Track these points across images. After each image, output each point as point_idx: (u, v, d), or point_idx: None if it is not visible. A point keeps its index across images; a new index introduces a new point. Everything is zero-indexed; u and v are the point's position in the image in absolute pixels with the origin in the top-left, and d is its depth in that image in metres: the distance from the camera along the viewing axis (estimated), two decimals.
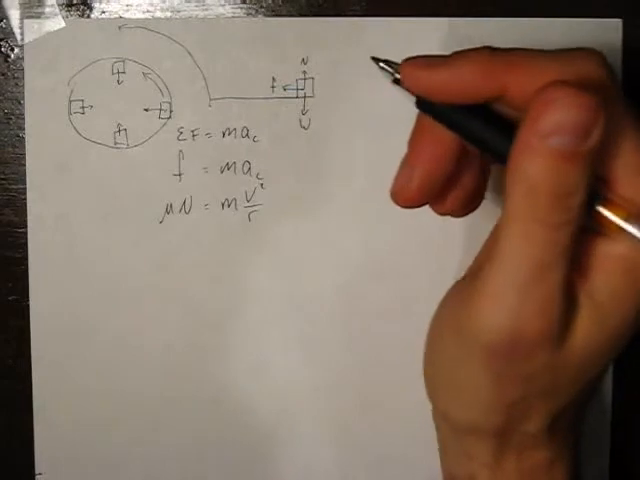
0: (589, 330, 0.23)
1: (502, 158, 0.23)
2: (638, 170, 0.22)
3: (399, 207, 0.26)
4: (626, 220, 0.22)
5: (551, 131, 0.21)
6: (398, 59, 0.34)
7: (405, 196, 0.26)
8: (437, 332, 0.27)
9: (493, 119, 0.24)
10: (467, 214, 0.27)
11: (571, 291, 0.23)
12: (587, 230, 0.23)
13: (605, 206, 0.23)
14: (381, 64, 0.25)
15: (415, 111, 0.25)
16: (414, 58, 0.24)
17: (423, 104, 0.25)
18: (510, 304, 0.22)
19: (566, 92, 0.21)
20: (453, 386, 0.26)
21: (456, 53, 0.24)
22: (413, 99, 0.25)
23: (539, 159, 0.21)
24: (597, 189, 0.22)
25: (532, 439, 0.25)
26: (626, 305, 0.23)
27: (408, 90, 0.25)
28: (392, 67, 0.25)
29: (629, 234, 0.22)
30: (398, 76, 0.25)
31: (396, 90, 0.25)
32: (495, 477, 0.26)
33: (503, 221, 0.23)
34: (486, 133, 0.24)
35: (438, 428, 0.28)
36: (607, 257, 0.23)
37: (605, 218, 0.23)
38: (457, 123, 0.24)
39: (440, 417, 0.27)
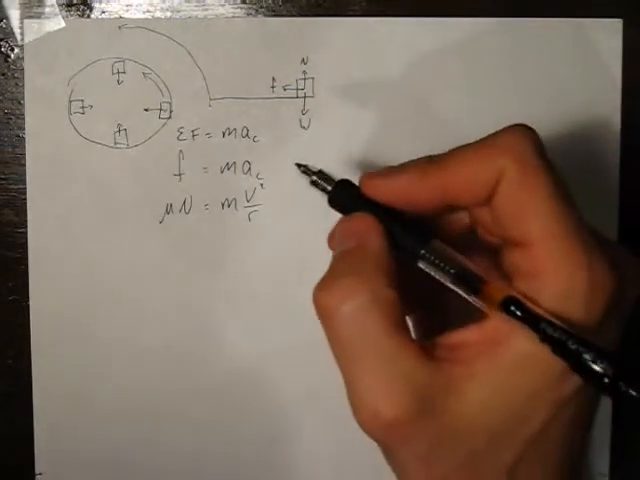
0: (476, 394, 0.24)
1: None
2: (551, 233, 0.24)
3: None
4: (496, 304, 0.24)
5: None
6: (398, 59, 0.34)
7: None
8: None
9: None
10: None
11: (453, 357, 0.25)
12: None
13: (480, 289, 0.24)
14: (304, 170, 0.30)
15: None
16: (370, 173, 0.27)
17: (333, 201, 0.29)
18: (365, 397, 0.24)
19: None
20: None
21: (401, 164, 0.27)
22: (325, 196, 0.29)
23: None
24: (474, 274, 0.25)
25: None
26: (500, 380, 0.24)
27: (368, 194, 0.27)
28: (309, 171, 0.29)
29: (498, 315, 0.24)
30: (314, 178, 0.29)
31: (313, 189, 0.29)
32: None
33: None
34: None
35: None
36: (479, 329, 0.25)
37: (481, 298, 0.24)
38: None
39: None
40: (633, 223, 0.35)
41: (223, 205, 0.34)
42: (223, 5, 0.34)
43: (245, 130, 0.34)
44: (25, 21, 0.33)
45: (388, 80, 0.34)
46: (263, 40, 0.33)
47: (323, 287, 0.26)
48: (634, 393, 0.20)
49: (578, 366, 0.22)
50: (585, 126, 0.35)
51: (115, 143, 0.33)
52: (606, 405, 0.36)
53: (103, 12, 0.33)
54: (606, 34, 0.34)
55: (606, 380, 0.20)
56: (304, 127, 0.34)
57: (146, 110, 0.33)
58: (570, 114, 0.35)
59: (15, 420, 0.35)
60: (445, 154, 0.26)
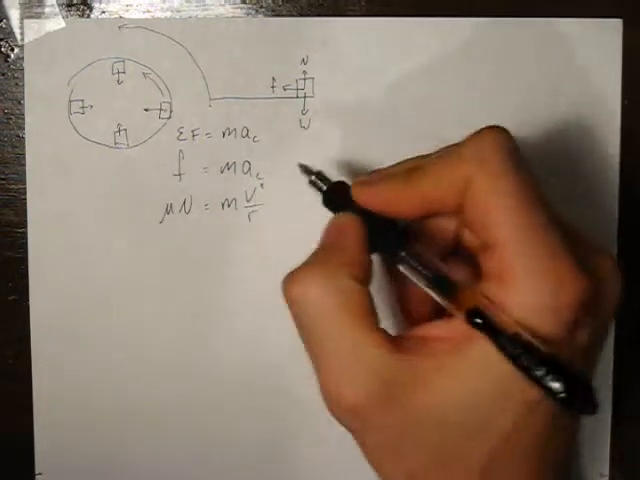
0: (444, 388, 0.25)
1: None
2: (516, 240, 0.24)
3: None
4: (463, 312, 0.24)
5: None
6: (398, 59, 0.34)
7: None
8: None
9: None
10: None
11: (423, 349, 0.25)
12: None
13: (452, 294, 0.25)
14: (304, 168, 0.31)
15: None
16: (360, 180, 0.29)
17: (326, 201, 0.30)
18: (329, 381, 0.25)
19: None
20: None
21: (387, 170, 0.28)
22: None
23: None
24: (448, 279, 0.26)
25: None
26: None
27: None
28: (308, 171, 0.30)
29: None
30: (312, 178, 0.30)
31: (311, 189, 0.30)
32: None
33: None
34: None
35: None
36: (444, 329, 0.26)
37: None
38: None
39: None
40: (633, 223, 0.35)
41: (223, 205, 0.34)
42: (223, 5, 0.34)
43: (245, 130, 0.34)
44: (25, 21, 0.33)
45: (388, 80, 0.34)
46: (263, 40, 0.33)
47: (291, 276, 0.27)
48: (587, 411, 0.20)
49: (534, 381, 0.22)
50: (585, 126, 0.35)
51: (115, 143, 0.33)
52: (606, 405, 0.36)
53: (103, 12, 0.33)
54: (606, 34, 0.34)
55: (562, 395, 0.20)
56: (304, 127, 0.34)
57: (146, 110, 0.33)
58: (570, 114, 0.35)
59: (15, 420, 0.35)
60: (422, 162, 0.27)
